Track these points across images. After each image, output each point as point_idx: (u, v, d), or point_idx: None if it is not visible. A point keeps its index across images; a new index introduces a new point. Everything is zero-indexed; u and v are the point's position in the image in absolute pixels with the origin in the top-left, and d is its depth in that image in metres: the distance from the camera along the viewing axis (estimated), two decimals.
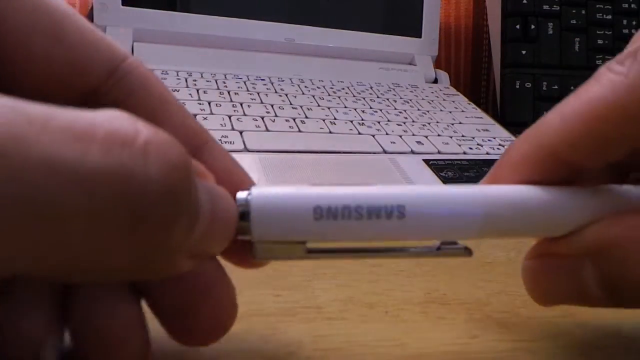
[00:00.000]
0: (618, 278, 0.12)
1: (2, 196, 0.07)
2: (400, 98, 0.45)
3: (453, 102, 0.47)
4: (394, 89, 0.47)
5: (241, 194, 0.12)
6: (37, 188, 0.07)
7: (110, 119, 0.09)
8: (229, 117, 0.35)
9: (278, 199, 0.12)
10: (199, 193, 0.10)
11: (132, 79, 0.13)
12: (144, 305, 0.12)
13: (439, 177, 0.32)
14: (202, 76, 0.41)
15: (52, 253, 0.08)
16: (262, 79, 0.43)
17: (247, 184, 0.13)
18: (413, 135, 0.38)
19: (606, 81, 0.12)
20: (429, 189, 0.13)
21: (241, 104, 0.37)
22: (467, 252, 0.14)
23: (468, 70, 0.64)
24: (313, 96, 0.41)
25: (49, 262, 0.08)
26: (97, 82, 0.12)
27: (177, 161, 0.09)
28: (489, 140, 0.40)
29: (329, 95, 0.43)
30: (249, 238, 0.12)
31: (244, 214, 0.12)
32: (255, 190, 0.12)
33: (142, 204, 0.08)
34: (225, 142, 0.31)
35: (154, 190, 0.08)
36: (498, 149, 0.39)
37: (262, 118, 0.35)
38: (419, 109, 0.43)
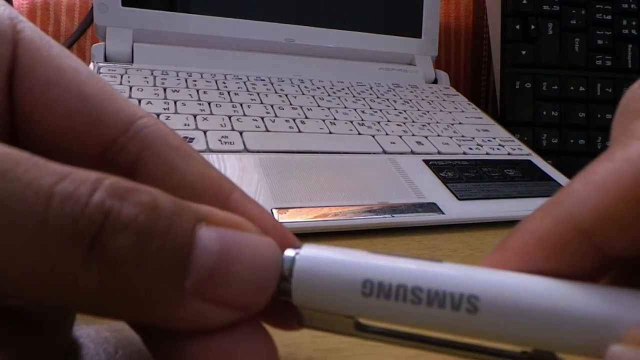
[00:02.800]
0: None
1: None
2: (400, 98, 0.45)
3: (453, 102, 0.47)
4: (394, 89, 0.47)
5: (289, 252, 0.11)
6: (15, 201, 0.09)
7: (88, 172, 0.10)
8: (229, 117, 0.35)
9: (325, 263, 0.11)
10: (199, 229, 0.10)
11: (149, 133, 0.13)
12: None
13: (439, 177, 0.32)
14: (202, 76, 0.41)
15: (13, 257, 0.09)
16: (262, 79, 0.43)
17: (286, 237, 0.13)
18: (413, 135, 0.38)
19: None
20: (518, 277, 0.10)
21: (241, 104, 0.37)
22: None
23: (468, 70, 0.64)
24: (313, 96, 0.41)
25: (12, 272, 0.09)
26: (115, 135, 0.13)
27: (113, 187, 0.10)
28: (488, 140, 0.40)
29: (329, 95, 0.43)
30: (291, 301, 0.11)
31: (289, 273, 0.11)
32: (304, 250, 0.11)
33: (75, 215, 0.09)
34: (225, 143, 0.31)
35: (89, 206, 0.10)
36: (498, 149, 0.39)
37: (262, 118, 0.35)
38: (418, 109, 0.43)
